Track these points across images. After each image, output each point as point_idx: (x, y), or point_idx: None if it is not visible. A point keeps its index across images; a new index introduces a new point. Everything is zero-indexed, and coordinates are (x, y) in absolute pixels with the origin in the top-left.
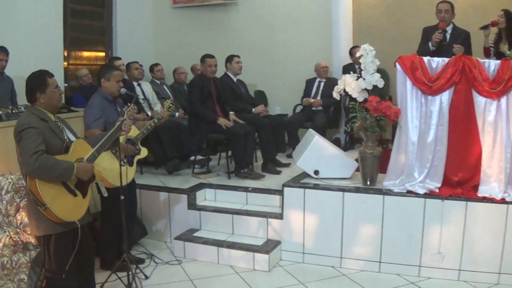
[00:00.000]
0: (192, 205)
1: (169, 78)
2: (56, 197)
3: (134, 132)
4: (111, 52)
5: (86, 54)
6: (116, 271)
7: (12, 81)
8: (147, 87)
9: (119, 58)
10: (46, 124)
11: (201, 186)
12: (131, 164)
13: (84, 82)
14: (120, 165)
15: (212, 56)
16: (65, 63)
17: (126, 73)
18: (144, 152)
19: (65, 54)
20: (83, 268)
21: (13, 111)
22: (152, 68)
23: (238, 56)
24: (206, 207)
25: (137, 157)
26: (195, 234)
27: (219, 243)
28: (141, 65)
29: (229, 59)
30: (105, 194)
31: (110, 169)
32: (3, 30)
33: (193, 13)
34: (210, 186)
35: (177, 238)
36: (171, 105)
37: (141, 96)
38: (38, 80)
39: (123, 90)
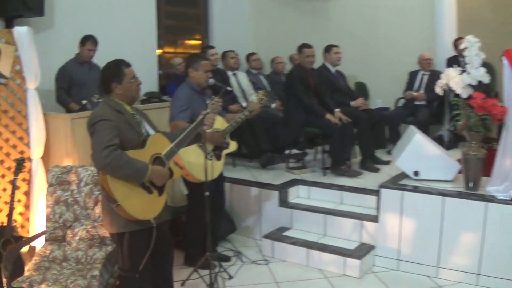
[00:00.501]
0: (283, 202)
1: (267, 68)
2: (129, 195)
3: (222, 124)
4: (207, 40)
5: (181, 42)
6: (199, 269)
7: (100, 69)
8: (242, 77)
9: (212, 47)
10: (122, 117)
11: (294, 182)
12: (218, 158)
13: (178, 71)
14: (206, 158)
15: (309, 46)
16: (160, 51)
17: (222, 62)
18: (233, 146)
19: (160, 42)
20: (160, 267)
21: (99, 100)
22: (248, 57)
23: (337, 46)
24: (298, 205)
25: (225, 151)
26: (285, 233)
27: (309, 245)
28: (237, 54)
29: (328, 49)
30: (185, 192)
31: (196, 163)
32: (96, 19)
33: (293, 1)
34: (304, 182)
35: (266, 236)
36: (263, 97)
37: (232, 87)
38: (114, 70)
39: (211, 81)
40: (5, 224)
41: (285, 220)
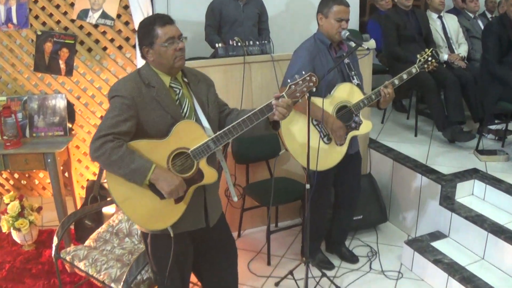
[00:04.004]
0: (446, 200)
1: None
2: (131, 196)
3: (354, 96)
4: None
5: None
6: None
7: (262, 3)
8: (451, 22)
9: None
10: (150, 92)
11: (472, 173)
12: (341, 142)
13: (382, 7)
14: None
15: None
16: None
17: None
18: (366, 127)
19: None
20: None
21: (238, 43)
22: None
23: None
24: (462, 208)
25: (352, 133)
26: (434, 243)
27: (452, 271)
28: None
29: None
30: (235, 199)
31: (302, 143)
32: None
33: None
34: (483, 177)
35: (408, 243)
36: (429, 59)
37: (435, 34)
38: (144, 30)
39: (344, 33)
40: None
41: (444, 224)
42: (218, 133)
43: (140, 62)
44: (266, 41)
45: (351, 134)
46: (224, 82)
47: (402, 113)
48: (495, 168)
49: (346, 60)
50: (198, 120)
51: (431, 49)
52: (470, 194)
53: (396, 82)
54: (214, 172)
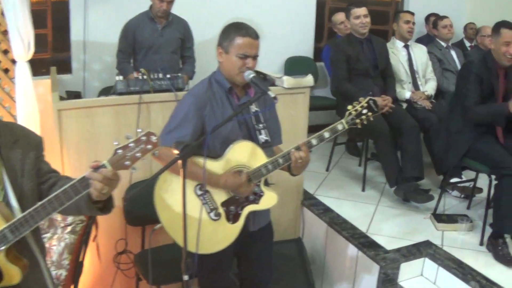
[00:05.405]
0: (385, 284)
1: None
2: None
3: (256, 159)
4: None
5: None
6: None
7: (187, 26)
8: (419, 52)
9: (360, 5)
10: None
11: (423, 248)
12: (234, 219)
13: (340, 32)
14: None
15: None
16: None
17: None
18: (269, 201)
19: None
20: None
21: (143, 76)
22: (436, 22)
23: None
24: None
25: (249, 208)
26: None
27: None
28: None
29: None
30: None
31: (178, 214)
32: None
33: None
34: (436, 255)
35: None
36: (363, 112)
37: (399, 66)
38: None
39: (248, 74)
40: None
41: None
42: (16, 218)
43: (19, 98)
44: (179, 74)
45: (248, 209)
46: (116, 127)
47: (354, 158)
48: (454, 240)
49: (254, 108)
50: (6, 197)
51: (368, 98)
52: (418, 275)
53: (314, 142)
54: (16, 272)
